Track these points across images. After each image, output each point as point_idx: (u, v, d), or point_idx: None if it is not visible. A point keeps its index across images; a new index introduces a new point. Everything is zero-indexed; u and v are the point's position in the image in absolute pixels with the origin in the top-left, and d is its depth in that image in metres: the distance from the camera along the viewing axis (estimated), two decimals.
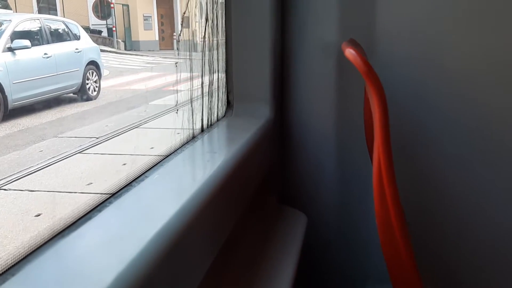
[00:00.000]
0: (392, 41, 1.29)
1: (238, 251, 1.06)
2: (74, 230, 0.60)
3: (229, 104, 1.32)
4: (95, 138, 2.63)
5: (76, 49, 2.65)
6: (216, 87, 1.26)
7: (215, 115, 1.24)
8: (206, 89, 1.21)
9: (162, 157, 0.91)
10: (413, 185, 1.33)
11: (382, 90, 0.65)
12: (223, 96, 1.29)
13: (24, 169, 2.01)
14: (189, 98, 1.16)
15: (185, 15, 1.23)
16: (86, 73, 2.63)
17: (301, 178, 1.41)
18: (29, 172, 1.99)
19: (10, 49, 1.98)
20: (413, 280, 0.77)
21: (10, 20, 2.14)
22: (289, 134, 1.39)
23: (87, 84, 2.65)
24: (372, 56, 1.27)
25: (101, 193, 0.71)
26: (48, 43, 2.33)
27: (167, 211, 0.66)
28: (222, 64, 1.29)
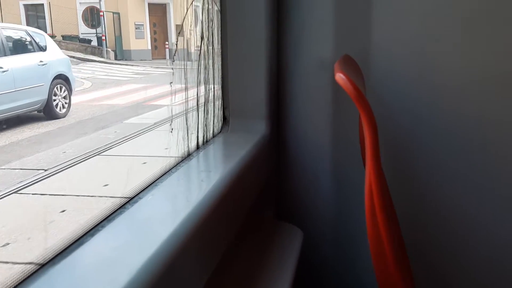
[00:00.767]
0: (388, 57, 1.29)
1: (233, 269, 1.06)
2: (65, 257, 0.60)
3: (225, 119, 1.33)
4: (42, 171, 2.17)
5: (41, 61, 2.35)
6: (212, 98, 1.24)
7: (211, 131, 1.24)
8: (201, 101, 1.18)
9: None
10: (410, 200, 1.34)
11: (372, 115, 0.66)
12: (219, 112, 1.30)
13: None
14: (185, 110, 1.12)
15: (184, 23, 1.20)
16: (53, 89, 2.31)
17: (297, 193, 1.41)
18: None
19: None
20: None
21: None
22: (285, 150, 1.39)
23: (55, 100, 2.33)
24: (368, 72, 1.27)
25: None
26: (4, 55, 2.05)
27: (160, 234, 0.67)
28: (218, 76, 1.29)
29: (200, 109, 1.19)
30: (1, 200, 1.82)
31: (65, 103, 2.47)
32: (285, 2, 1.32)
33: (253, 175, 1.17)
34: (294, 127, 1.38)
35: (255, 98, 1.29)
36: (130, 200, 0.80)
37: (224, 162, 1.14)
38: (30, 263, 0.53)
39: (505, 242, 1.30)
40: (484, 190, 1.28)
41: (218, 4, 1.26)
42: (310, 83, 1.35)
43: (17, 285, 0.53)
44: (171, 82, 1.02)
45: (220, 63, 1.30)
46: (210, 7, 1.24)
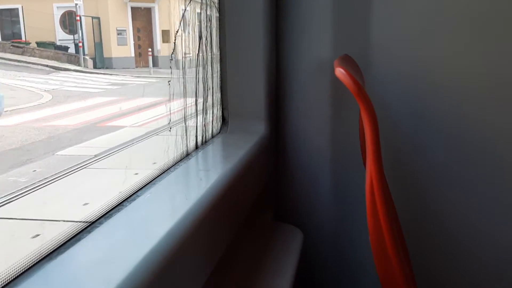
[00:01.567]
0: (387, 57, 1.29)
1: (233, 269, 1.05)
2: (62, 252, 0.59)
3: (224, 120, 1.32)
4: None
5: None
6: (202, 109, 1.17)
7: (210, 132, 1.24)
8: (190, 111, 1.11)
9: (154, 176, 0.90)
10: (410, 201, 1.33)
11: (373, 109, 0.65)
12: (218, 113, 1.30)
13: None
14: (183, 117, 1.07)
15: (179, 30, 1.16)
16: None
17: (297, 194, 1.40)
18: None
19: None
20: None
21: None
22: (284, 150, 1.39)
23: None
24: (367, 72, 1.27)
25: None
26: None
27: (158, 231, 0.66)
28: (216, 81, 1.29)
29: (188, 121, 1.11)
30: None
31: None
32: (283, 3, 1.32)
33: (253, 175, 1.16)
34: (293, 128, 1.37)
35: (254, 99, 1.29)
36: (128, 198, 0.79)
37: (223, 162, 1.13)
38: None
39: (506, 242, 1.29)
40: (485, 189, 1.27)
41: (216, 4, 1.26)
42: (309, 84, 1.34)
43: (13, 279, 0.52)
44: (169, 81, 0.98)
45: (219, 64, 1.30)
46: (208, 8, 1.24)
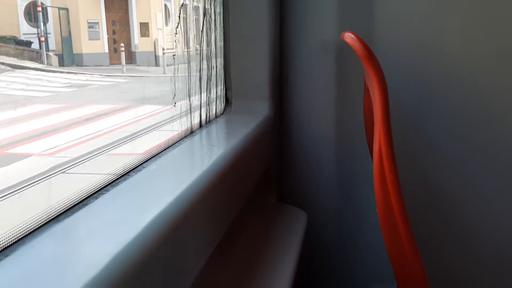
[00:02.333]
0: (392, 37, 1.28)
1: (237, 246, 1.04)
2: (69, 216, 0.58)
3: (227, 101, 1.31)
4: None
5: None
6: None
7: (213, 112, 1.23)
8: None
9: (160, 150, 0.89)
10: (414, 183, 1.32)
11: (382, 73, 0.64)
12: (221, 93, 1.29)
13: None
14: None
15: (171, 25, 1.07)
16: None
17: (300, 176, 1.39)
18: None
19: None
20: (416, 272, 0.75)
21: None
22: (289, 132, 1.38)
23: None
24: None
25: None
26: None
27: (164, 199, 0.65)
28: (221, 55, 1.27)
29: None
30: None
31: None
32: None
33: (256, 154, 1.15)
34: (297, 108, 1.36)
35: (257, 80, 1.28)
36: (134, 169, 0.78)
37: (227, 139, 1.12)
38: None
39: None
40: (492, 174, 1.27)
41: None
42: (314, 65, 1.33)
43: (22, 237, 0.51)
44: (173, 80, 0.95)
45: (222, 44, 1.29)
46: None
